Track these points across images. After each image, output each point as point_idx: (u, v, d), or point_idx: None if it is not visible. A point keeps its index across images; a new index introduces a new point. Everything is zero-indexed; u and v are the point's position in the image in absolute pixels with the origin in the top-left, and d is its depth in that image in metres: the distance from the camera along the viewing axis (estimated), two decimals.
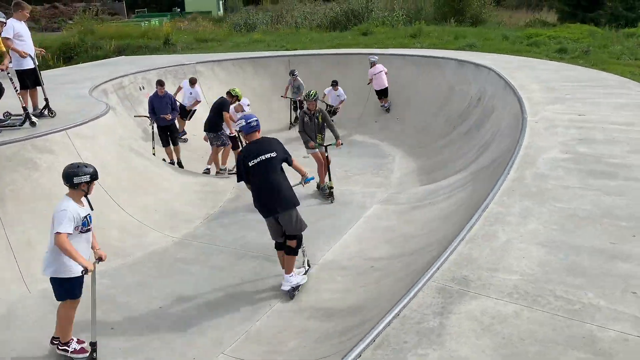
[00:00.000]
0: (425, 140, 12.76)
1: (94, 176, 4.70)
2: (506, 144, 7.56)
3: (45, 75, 14.97)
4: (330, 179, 8.78)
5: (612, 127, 7.06)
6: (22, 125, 7.81)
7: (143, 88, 13.88)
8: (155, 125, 10.80)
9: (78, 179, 4.59)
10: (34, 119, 8.04)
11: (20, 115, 8.27)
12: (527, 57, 14.50)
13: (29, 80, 8.27)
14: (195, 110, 13.14)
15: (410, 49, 17.08)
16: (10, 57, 8.02)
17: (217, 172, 10.53)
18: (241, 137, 10.25)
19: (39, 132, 7.55)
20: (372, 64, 14.72)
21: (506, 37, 17.43)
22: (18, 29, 7.88)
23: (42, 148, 7.37)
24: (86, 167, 4.67)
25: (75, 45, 21.75)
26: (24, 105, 7.89)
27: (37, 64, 8.34)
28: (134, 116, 10.89)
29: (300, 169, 5.87)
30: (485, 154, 8.87)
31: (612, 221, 4.29)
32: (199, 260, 6.60)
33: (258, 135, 5.66)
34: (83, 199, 4.75)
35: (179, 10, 73.26)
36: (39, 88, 8.52)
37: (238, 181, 5.76)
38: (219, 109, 10.15)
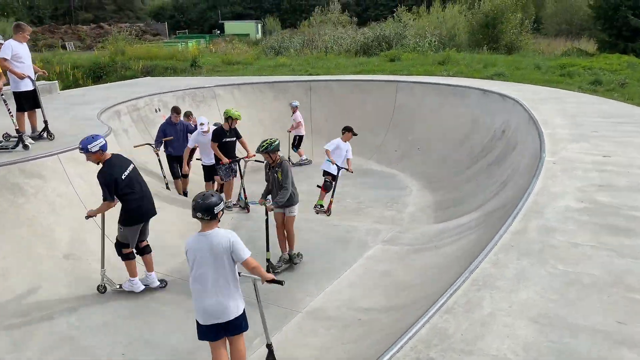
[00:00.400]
0: (445, 173, 12.13)
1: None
2: (520, 185, 6.92)
3: (64, 94, 15.24)
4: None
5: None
6: (14, 149, 7.64)
7: (159, 110, 13.75)
8: (159, 153, 10.37)
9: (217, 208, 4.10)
10: (27, 142, 7.87)
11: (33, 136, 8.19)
12: (558, 88, 13.73)
13: (26, 103, 8.11)
14: None
15: (435, 76, 16.53)
16: (7, 79, 7.90)
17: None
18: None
19: (29, 156, 7.36)
20: (294, 109, 13.91)
21: (538, 66, 16.68)
22: (17, 50, 7.76)
23: (30, 173, 7.15)
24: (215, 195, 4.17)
25: (105, 65, 22.07)
26: (17, 127, 7.72)
27: (36, 86, 8.18)
28: (134, 146, 10.42)
29: None
30: (501, 193, 8.23)
31: (623, 292, 3.63)
32: (175, 301, 6.15)
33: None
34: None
35: (218, 32, 74.99)
36: (38, 110, 8.35)
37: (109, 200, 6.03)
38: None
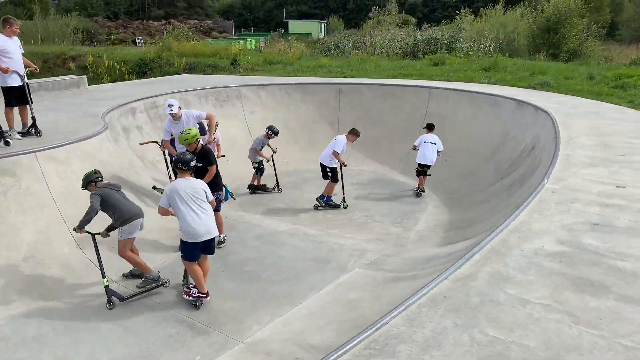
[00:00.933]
0: (467, 189, 11.21)
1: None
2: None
3: (91, 89, 15.45)
4: None
5: None
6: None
7: (180, 108, 13.60)
8: (166, 151, 9.67)
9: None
10: (13, 138, 7.83)
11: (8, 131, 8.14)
12: (605, 101, 12.38)
13: (14, 98, 8.06)
14: None
15: (474, 83, 15.46)
16: None
17: None
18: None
19: (5, 152, 7.26)
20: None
21: (592, 76, 15.20)
22: (4, 46, 7.71)
23: (3, 170, 7.05)
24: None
25: (151, 61, 22.43)
26: None
27: (25, 81, 8.11)
28: (140, 144, 10.27)
29: None
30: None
31: None
32: (117, 316, 5.79)
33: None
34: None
35: (282, 31, 75.69)
36: (28, 106, 8.29)
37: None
38: None
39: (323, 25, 74.02)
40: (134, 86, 15.80)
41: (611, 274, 3.96)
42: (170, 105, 8.26)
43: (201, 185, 6.08)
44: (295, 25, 74.62)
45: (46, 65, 23.90)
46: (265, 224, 8.98)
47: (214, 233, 5.94)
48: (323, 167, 10.55)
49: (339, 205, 10.42)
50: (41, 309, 5.93)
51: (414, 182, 12.78)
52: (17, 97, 8.06)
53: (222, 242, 7.70)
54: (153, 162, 11.54)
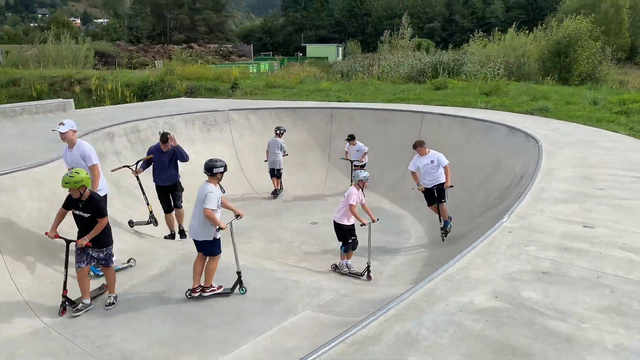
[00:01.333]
0: (453, 220, 10.58)
1: (226, 168, 6.54)
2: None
3: (78, 112, 15.29)
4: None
5: (618, 254, 4.66)
6: None
7: (74, 132, 13.29)
8: (139, 176, 9.15)
9: (217, 169, 6.40)
10: None
11: None
12: (604, 128, 11.67)
13: None
14: None
15: (470, 108, 14.89)
16: None
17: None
18: None
19: None
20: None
21: (595, 101, 14.48)
22: None
23: None
24: (221, 161, 6.51)
25: (152, 84, 22.42)
26: None
27: None
28: (111, 170, 9.56)
29: None
30: None
31: None
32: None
33: None
34: (218, 184, 6.48)
35: (300, 55, 76.33)
36: None
37: None
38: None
39: (340, 49, 74.41)
40: (123, 109, 15.63)
41: (541, 338, 3.35)
42: (61, 124, 7.26)
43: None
44: (313, 49, 75.23)
45: (53, 88, 24.10)
46: (225, 256, 8.49)
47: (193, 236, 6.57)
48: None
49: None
50: None
51: (401, 211, 12.23)
52: None
53: (111, 304, 6.49)
54: (129, 188, 11.21)
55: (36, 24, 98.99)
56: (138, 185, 9.21)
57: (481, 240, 5.06)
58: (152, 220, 9.14)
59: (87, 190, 6.07)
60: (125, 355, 5.52)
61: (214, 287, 6.73)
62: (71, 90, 23.81)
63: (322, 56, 62.58)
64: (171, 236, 9.42)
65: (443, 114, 13.82)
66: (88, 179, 6.06)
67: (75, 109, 15.32)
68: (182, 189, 9.40)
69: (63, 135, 7.13)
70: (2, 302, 6.35)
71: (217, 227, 6.35)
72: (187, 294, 6.62)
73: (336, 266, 8.36)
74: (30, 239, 7.16)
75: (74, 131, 7.19)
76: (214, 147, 14.03)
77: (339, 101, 17.29)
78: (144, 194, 9.13)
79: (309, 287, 7.16)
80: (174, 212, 9.34)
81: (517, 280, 4.21)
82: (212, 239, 6.51)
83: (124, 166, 9.69)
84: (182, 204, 9.34)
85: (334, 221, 8.17)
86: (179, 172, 9.33)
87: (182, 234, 9.42)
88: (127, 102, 21.40)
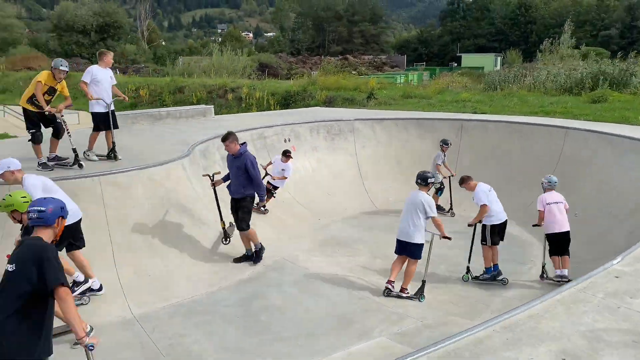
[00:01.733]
0: (586, 254, 9.17)
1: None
2: None
3: (217, 118, 16.29)
4: None
5: None
6: (72, 166, 8.25)
7: (289, 140, 13.69)
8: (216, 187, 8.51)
9: (430, 180, 7.41)
10: (89, 158, 8.53)
11: (104, 155, 8.89)
12: None
13: (101, 123, 8.74)
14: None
15: (628, 125, 12.91)
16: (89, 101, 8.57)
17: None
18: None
19: (71, 175, 7.83)
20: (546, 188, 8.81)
21: None
22: (96, 75, 8.43)
23: (67, 192, 7.56)
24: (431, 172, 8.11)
25: (295, 94, 23.33)
26: (73, 147, 8.27)
27: (112, 109, 8.76)
28: (202, 175, 9.15)
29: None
30: None
31: None
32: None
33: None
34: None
35: (455, 64, 74.07)
36: (111, 131, 8.89)
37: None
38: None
39: (499, 59, 70.58)
40: (256, 117, 16.39)
41: None
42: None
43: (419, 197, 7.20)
44: (469, 59, 72.46)
45: (210, 95, 26.39)
46: (317, 265, 8.34)
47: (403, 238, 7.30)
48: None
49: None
50: None
51: (527, 237, 10.96)
52: (102, 122, 8.71)
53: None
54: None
55: (214, 38, 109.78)
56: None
57: (574, 284, 4.17)
58: (223, 238, 8.56)
59: (23, 215, 5.16)
60: (192, 356, 5.62)
61: (408, 290, 7.23)
62: (225, 98, 25.80)
63: (477, 66, 60.04)
64: (245, 257, 8.34)
65: (591, 131, 12.12)
66: (22, 204, 5.19)
67: (215, 114, 16.42)
68: (249, 209, 8.16)
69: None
70: (104, 291, 6.93)
71: (441, 234, 7.15)
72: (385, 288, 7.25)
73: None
74: (138, 234, 7.72)
75: (12, 172, 5.96)
76: (337, 156, 14.02)
77: (474, 113, 16.19)
78: (218, 207, 8.44)
79: (392, 311, 6.68)
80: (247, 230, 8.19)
81: (602, 341, 3.36)
82: (421, 242, 7.16)
83: (204, 175, 9.04)
84: (248, 227, 8.17)
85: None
86: (258, 186, 8.10)
87: (258, 255, 8.35)
88: (270, 110, 22.54)
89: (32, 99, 8.01)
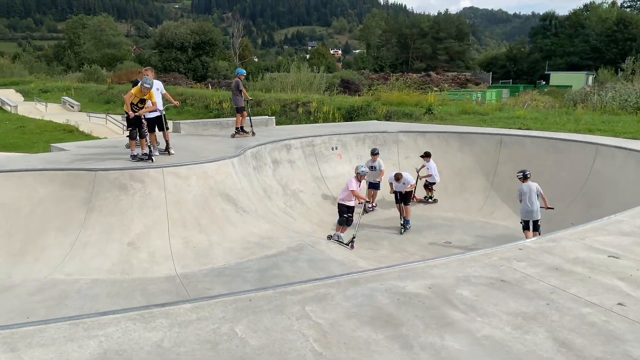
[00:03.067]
0: None
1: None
2: None
3: (277, 128, 18.17)
4: None
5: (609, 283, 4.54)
6: (148, 160, 10.43)
7: (335, 148, 15.28)
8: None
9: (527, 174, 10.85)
10: (153, 155, 10.70)
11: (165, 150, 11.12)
12: None
13: (154, 125, 11.13)
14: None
15: None
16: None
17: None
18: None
19: (139, 165, 9.96)
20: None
21: None
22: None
23: (136, 178, 9.66)
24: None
25: (359, 108, 24.91)
26: (149, 144, 10.53)
27: (163, 114, 11.04)
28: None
29: None
30: None
31: None
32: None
33: None
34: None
35: (543, 82, 72.09)
36: (166, 132, 11.24)
37: None
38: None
39: (590, 77, 67.83)
40: (312, 128, 18.12)
41: (410, 311, 3.91)
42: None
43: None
44: (557, 78, 70.37)
45: (283, 108, 28.66)
46: (334, 250, 9.80)
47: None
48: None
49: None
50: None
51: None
52: (153, 125, 11.04)
53: None
54: (295, 191, 13.39)
55: (304, 55, 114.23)
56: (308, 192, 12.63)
57: (481, 251, 5.40)
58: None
59: None
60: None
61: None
62: (296, 112, 27.93)
63: (566, 84, 58.24)
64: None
65: (618, 147, 12.61)
66: None
67: (276, 124, 18.42)
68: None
69: None
70: (158, 255, 8.85)
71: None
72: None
73: (330, 236, 11.11)
74: (189, 214, 9.63)
75: None
76: None
77: (520, 129, 16.87)
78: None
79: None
80: None
81: (466, 281, 4.63)
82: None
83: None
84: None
85: (338, 202, 11.41)
86: None
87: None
88: (334, 122, 24.27)
89: (131, 106, 10.40)
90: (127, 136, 10.56)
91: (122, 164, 10.23)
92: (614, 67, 70.69)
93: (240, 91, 14.39)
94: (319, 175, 14.36)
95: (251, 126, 15.13)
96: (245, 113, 14.71)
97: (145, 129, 10.60)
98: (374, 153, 13.85)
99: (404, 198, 12.52)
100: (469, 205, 14.29)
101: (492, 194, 14.46)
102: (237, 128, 14.82)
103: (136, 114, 10.27)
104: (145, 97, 10.38)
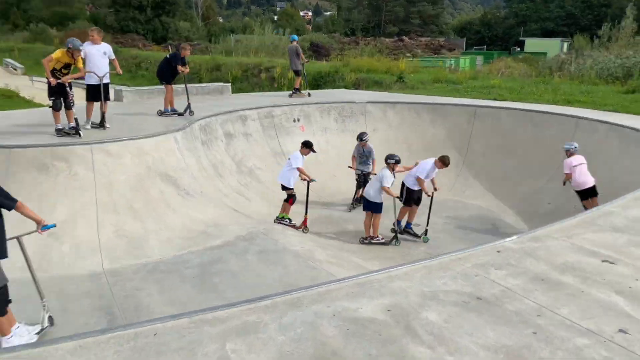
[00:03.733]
0: None
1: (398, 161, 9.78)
2: None
3: (232, 96, 16.77)
4: None
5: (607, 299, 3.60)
6: (75, 135, 9.05)
7: (298, 120, 14.05)
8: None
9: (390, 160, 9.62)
10: (83, 127, 9.34)
11: (96, 123, 9.75)
12: None
13: (90, 94, 9.81)
14: None
15: None
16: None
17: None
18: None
19: (64, 141, 8.61)
20: (569, 153, 10.21)
21: None
22: (88, 51, 9.36)
23: (59, 156, 8.31)
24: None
25: (326, 75, 23.58)
26: (75, 117, 9.10)
27: (104, 82, 9.66)
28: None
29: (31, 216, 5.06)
30: None
31: None
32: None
33: None
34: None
35: (517, 49, 71.35)
36: (104, 103, 9.83)
37: None
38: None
39: (566, 44, 67.28)
40: (270, 97, 16.68)
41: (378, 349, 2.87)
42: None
43: None
44: (532, 44, 69.44)
45: (245, 74, 27.10)
46: (288, 239, 8.75)
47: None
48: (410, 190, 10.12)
49: (418, 236, 10.12)
50: None
51: (524, 225, 10.89)
52: (93, 93, 9.63)
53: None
54: (251, 168, 12.15)
55: (272, 17, 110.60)
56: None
57: (452, 254, 4.41)
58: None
59: None
60: (139, 308, 6.22)
61: (378, 237, 9.57)
62: (258, 77, 26.41)
63: (541, 51, 57.55)
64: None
65: (600, 120, 11.77)
66: None
67: (236, 92, 17.03)
68: None
69: None
70: (83, 248, 7.64)
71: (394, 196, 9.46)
72: (360, 240, 9.62)
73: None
74: (122, 198, 8.39)
75: None
76: (347, 138, 14.21)
77: (495, 99, 15.92)
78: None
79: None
80: None
81: (435, 299, 3.66)
82: (380, 202, 9.44)
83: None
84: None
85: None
86: None
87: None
88: (297, 89, 22.89)
89: (53, 72, 8.89)
90: (50, 107, 9.12)
91: (46, 139, 8.84)
92: (589, 34, 70.54)
93: (299, 55, 15.47)
94: (279, 149, 13.11)
95: (307, 87, 16.65)
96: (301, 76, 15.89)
97: (72, 98, 9.17)
98: (362, 139, 11.39)
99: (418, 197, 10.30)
100: (440, 183, 13.33)
101: (464, 170, 13.52)
102: (295, 88, 16.06)
103: (59, 81, 8.83)
104: (70, 62, 8.94)
